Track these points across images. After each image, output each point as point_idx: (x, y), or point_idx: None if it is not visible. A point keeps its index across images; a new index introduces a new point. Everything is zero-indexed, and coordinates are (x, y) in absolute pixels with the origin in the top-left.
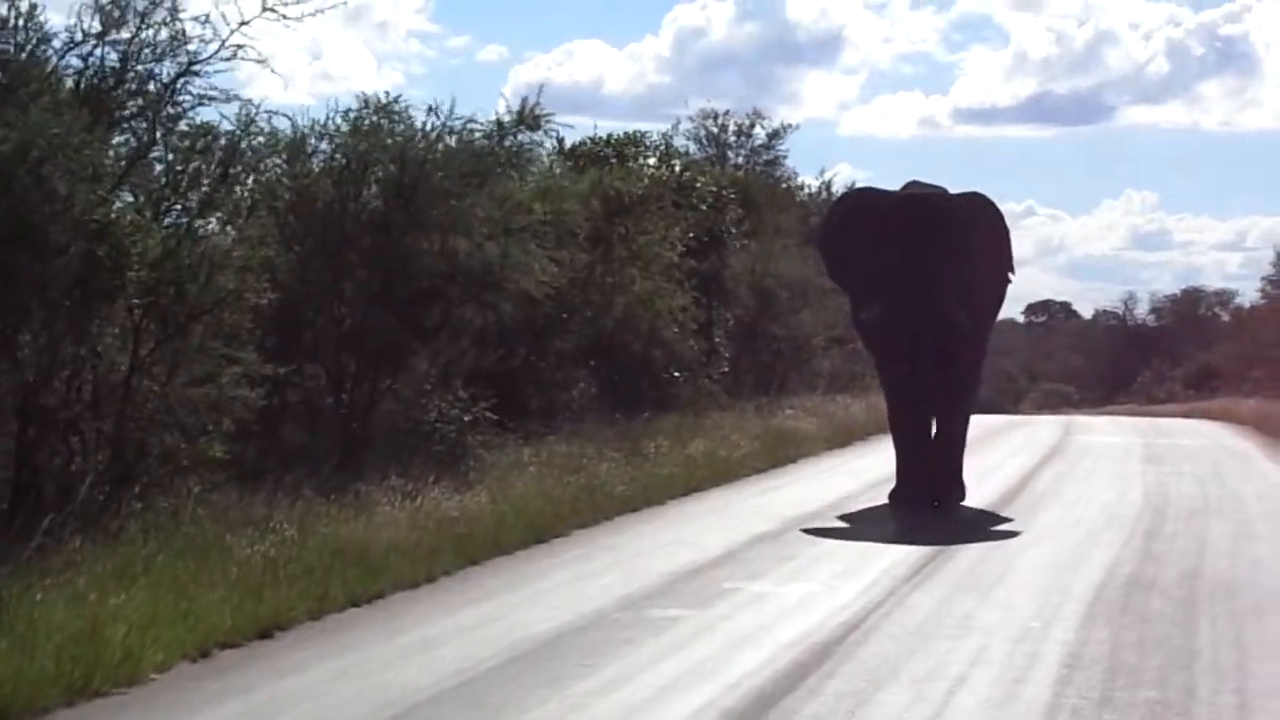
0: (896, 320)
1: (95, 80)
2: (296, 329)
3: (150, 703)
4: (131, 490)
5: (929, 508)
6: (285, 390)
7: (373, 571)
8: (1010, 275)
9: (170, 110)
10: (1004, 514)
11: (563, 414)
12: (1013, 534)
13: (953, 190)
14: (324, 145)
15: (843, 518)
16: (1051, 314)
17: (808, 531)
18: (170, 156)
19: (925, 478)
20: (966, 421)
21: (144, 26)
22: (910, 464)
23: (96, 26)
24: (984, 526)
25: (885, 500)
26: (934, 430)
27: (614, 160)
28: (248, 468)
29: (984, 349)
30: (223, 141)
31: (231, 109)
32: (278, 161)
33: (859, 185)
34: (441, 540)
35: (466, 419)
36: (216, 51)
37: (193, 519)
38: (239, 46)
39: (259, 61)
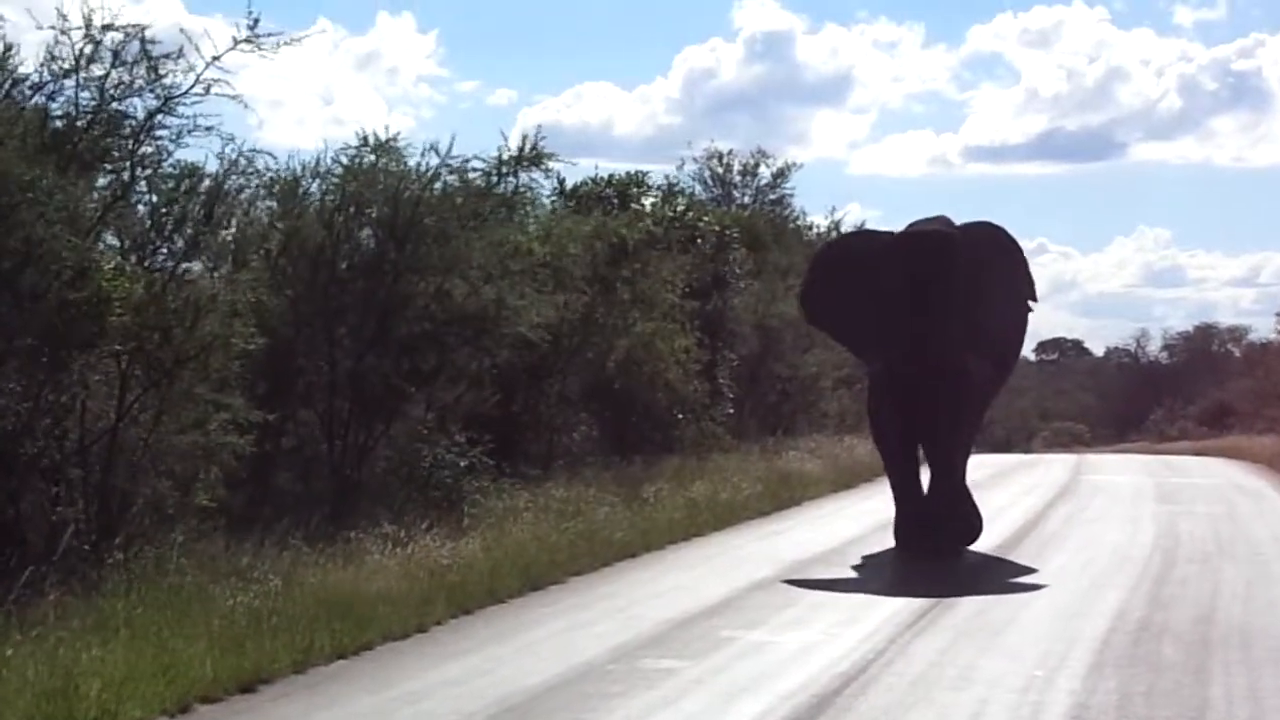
0: (900, 364)
1: (67, 120)
2: (289, 374)
3: None
4: (115, 540)
5: (933, 548)
6: (279, 437)
7: (361, 622)
8: (1031, 304)
9: (148, 149)
10: (1011, 558)
11: (562, 458)
12: (1019, 579)
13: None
14: (315, 186)
15: (845, 563)
16: (1063, 352)
17: (809, 577)
18: (154, 198)
19: (925, 517)
20: (966, 456)
21: (117, 64)
22: (908, 503)
23: (63, 66)
24: (990, 571)
25: (890, 544)
26: (934, 469)
27: (615, 201)
28: (238, 516)
29: (1000, 384)
30: (207, 183)
31: (215, 147)
32: (269, 203)
33: (863, 226)
34: (433, 589)
35: (463, 464)
36: (191, 87)
37: (177, 569)
38: (214, 81)
39: (233, 97)
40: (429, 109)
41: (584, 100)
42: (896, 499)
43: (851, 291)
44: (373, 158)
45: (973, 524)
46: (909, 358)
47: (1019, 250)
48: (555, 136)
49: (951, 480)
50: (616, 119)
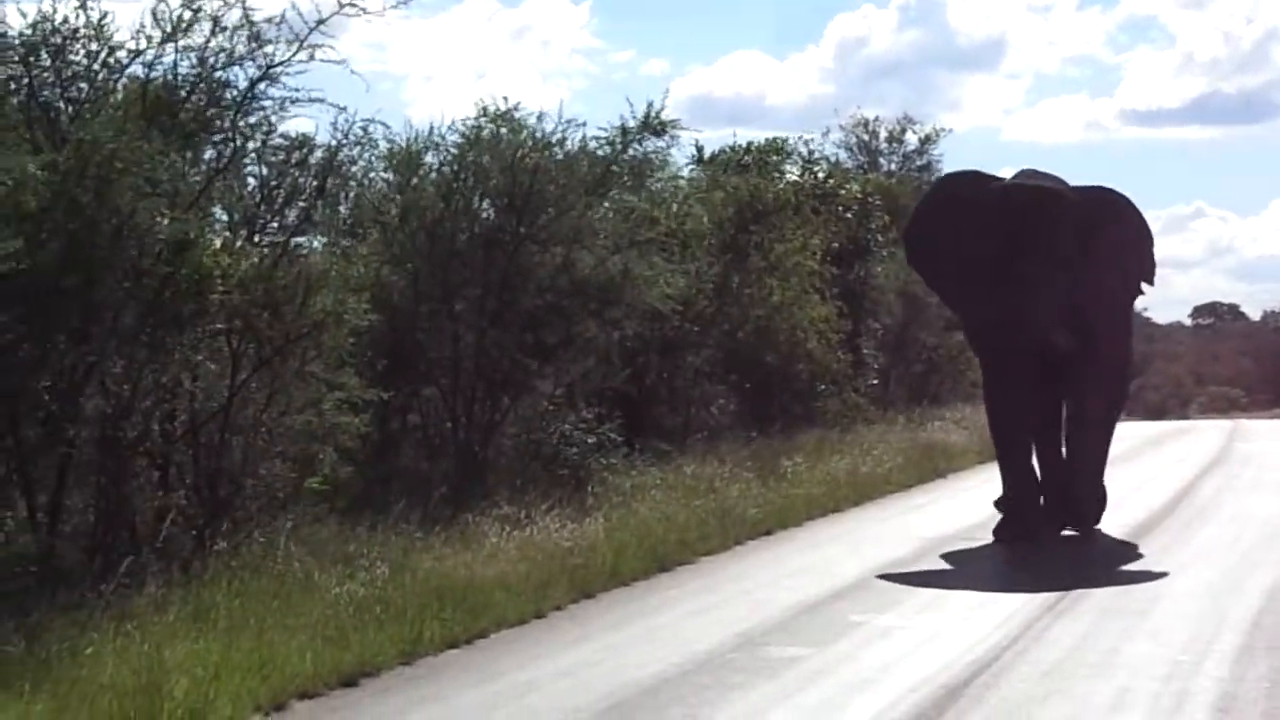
0: (993, 327)
1: (165, 90)
2: (409, 351)
3: None
4: (221, 526)
5: (1057, 533)
6: (404, 414)
7: (475, 610)
8: (1145, 284)
9: (252, 119)
10: (1157, 531)
11: (699, 432)
12: (1164, 555)
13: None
14: (430, 157)
15: (987, 539)
16: (1219, 316)
17: (946, 556)
18: (263, 171)
19: (1036, 504)
20: (1103, 435)
21: (217, 30)
22: (1019, 493)
23: (160, 33)
24: (1134, 548)
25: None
26: (1063, 449)
27: (755, 169)
28: (357, 497)
29: (1120, 356)
30: (319, 154)
31: (328, 116)
32: (385, 175)
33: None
34: (553, 573)
35: (590, 441)
36: (294, 54)
37: (284, 556)
38: (316, 47)
39: (338, 63)
40: (583, 80)
41: (736, 70)
42: (1004, 486)
43: (950, 238)
44: (492, 127)
45: (1094, 505)
46: (996, 321)
47: (1140, 222)
48: (708, 106)
49: (1077, 459)
50: (769, 88)
